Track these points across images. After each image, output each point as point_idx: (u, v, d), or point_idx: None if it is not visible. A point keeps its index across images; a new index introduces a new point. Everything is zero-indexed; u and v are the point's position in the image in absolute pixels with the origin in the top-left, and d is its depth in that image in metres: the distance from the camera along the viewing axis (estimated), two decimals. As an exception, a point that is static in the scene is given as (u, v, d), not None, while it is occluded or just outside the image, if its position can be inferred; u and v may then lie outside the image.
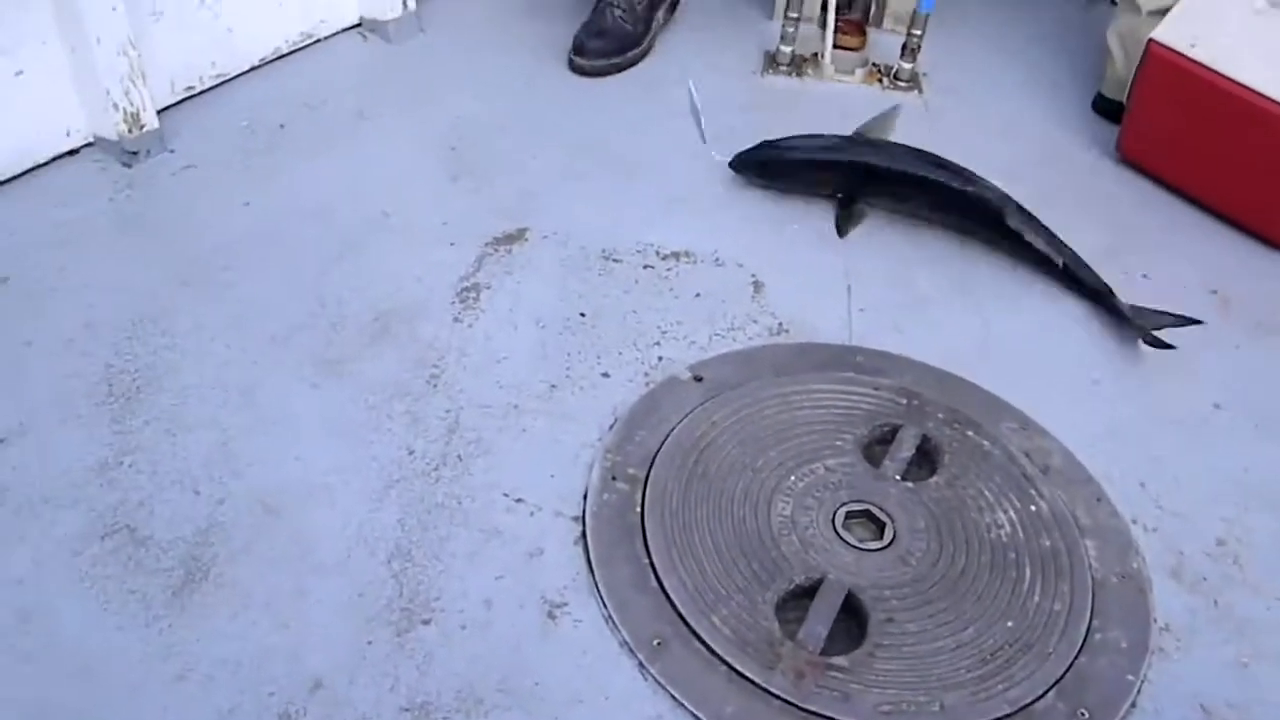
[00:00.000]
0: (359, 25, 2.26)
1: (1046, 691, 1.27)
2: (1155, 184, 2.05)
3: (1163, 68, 1.95)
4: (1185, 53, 1.92)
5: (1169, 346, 1.70)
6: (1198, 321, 1.74)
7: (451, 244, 1.81)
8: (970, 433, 1.57)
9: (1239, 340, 1.78)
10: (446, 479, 1.45)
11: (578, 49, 2.20)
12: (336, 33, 2.24)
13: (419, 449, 1.48)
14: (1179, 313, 1.75)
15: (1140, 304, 1.77)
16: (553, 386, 1.59)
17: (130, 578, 1.31)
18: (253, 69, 2.12)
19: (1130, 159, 2.09)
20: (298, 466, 1.45)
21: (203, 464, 1.44)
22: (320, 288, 1.71)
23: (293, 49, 2.18)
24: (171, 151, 1.94)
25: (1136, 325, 1.74)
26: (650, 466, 1.48)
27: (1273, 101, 1.83)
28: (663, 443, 1.51)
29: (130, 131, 1.88)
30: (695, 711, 1.22)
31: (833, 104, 2.18)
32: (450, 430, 1.51)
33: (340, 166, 1.95)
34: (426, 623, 1.29)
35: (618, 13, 2.22)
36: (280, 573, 1.33)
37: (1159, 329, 1.73)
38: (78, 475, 1.42)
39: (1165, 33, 1.94)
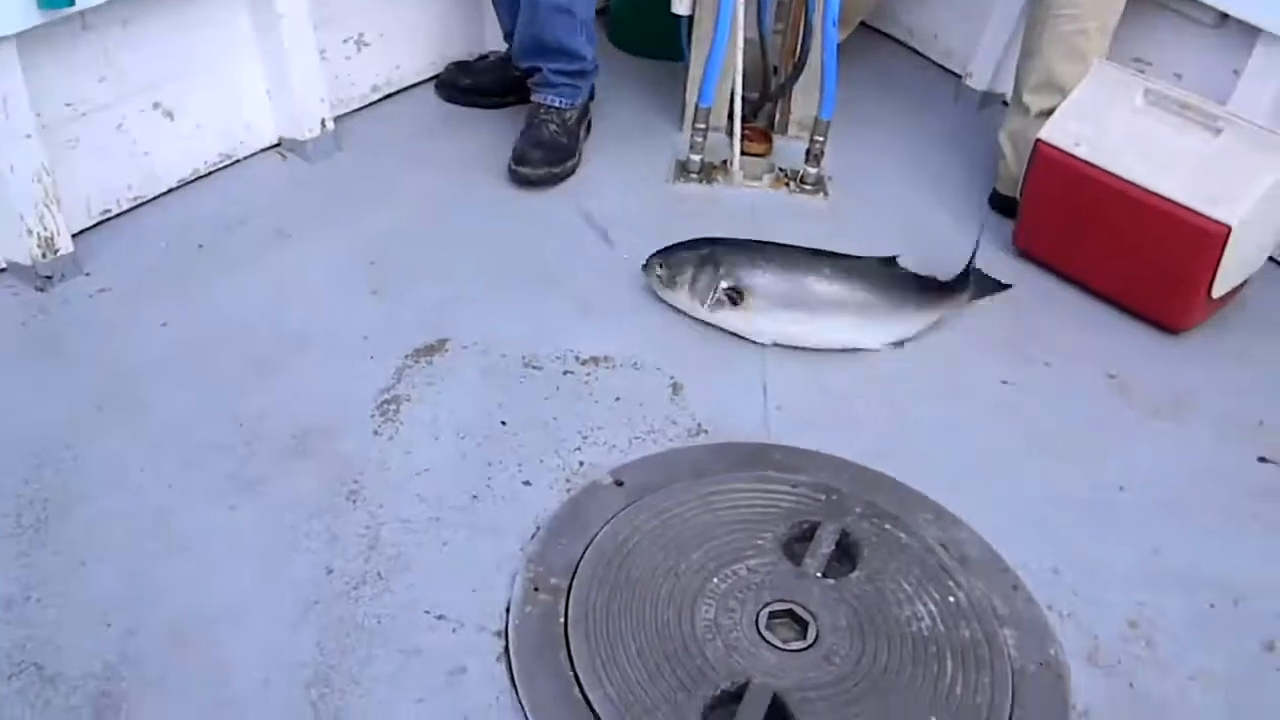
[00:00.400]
0: (278, 145, 2.30)
1: (972, 785, 1.28)
2: (1051, 275, 2.15)
3: (1050, 165, 2.06)
4: (1071, 151, 2.03)
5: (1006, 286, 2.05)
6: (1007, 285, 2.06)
7: (371, 357, 1.82)
8: (888, 526, 1.59)
9: (1137, 422, 1.85)
10: (366, 598, 1.43)
11: (520, 159, 2.25)
12: (255, 153, 2.27)
13: (338, 568, 1.47)
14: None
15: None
16: (474, 497, 1.59)
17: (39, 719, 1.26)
18: (170, 191, 2.13)
19: (1026, 251, 2.19)
20: (212, 593, 1.42)
21: (114, 594, 1.41)
22: (238, 407, 1.70)
23: (211, 170, 2.20)
24: (87, 275, 1.93)
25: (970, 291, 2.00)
26: (573, 575, 1.48)
27: (1154, 194, 1.94)
28: (585, 550, 1.51)
29: (44, 256, 1.88)
30: (623, 828, 1.21)
31: (742, 208, 2.26)
32: (370, 547, 1.50)
33: (259, 285, 1.96)
34: (346, 752, 1.26)
35: (552, 127, 2.28)
36: (193, 705, 1.30)
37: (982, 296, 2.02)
38: (-19, 613, 1.38)
39: (1051, 133, 2.06)
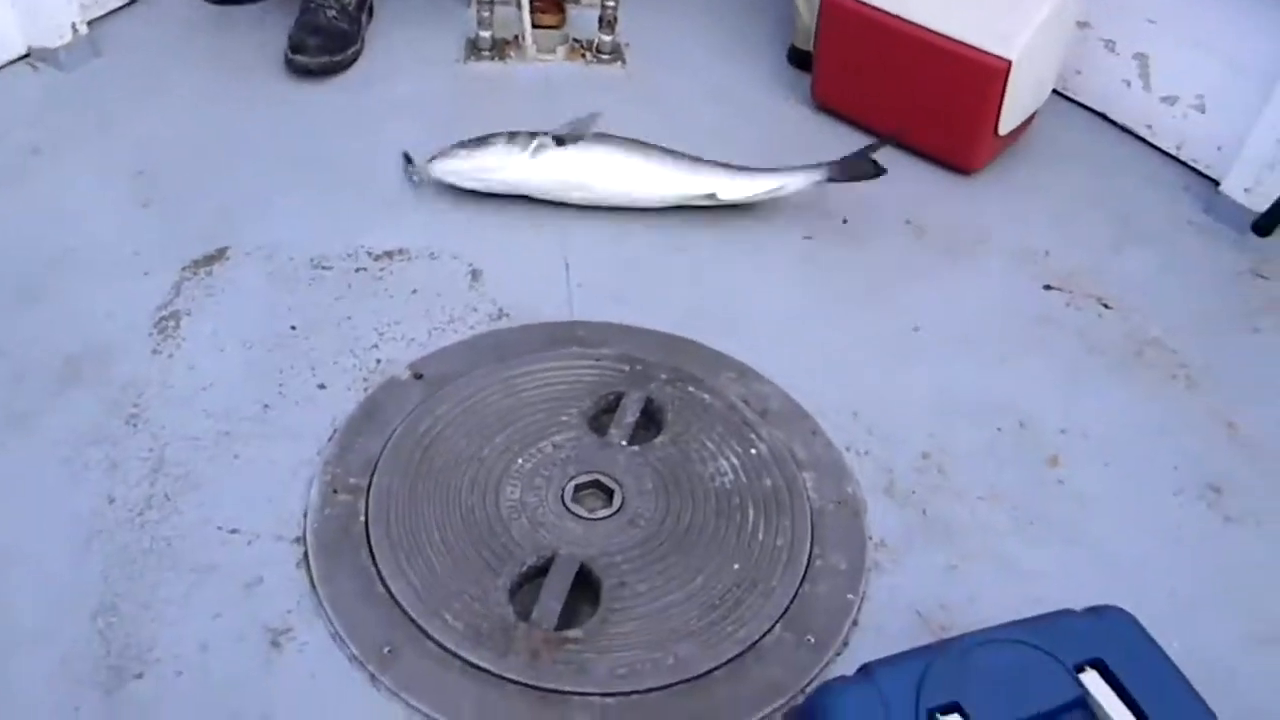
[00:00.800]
0: (27, 56, 2.10)
1: (774, 625, 1.31)
2: (849, 125, 2.16)
3: (837, 14, 2.05)
4: (856, -1, 2.02)
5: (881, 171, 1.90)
6: (881, 171, 1.91)
7: (145, 273, 1.71)
8: (692, 389, 1.60)
9: (932, 264, 1.90)
10: (153, 522, 1.37)
11: (296, 47, 2.12)
12: (1, 66, 2.07)
13: (120, 495, 1.39)
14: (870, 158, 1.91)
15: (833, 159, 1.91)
16: (265, 407, 1.53)
17: None
18: (-95, 114, 1.94)
19: (824, 104, 2.19)
20: (-15, 536, 1.34)
21: (-128, 551, 1.31)
22: (1, 337, 1.58)
23: (-50, 87, 2.00)
24: None
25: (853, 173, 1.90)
26: (373, 473, 1.44)
27: (937, 34, 1.95)
28: (384, 446, 1.47)
29: None
30: (431, 714, 1.20)
31: (537, 84, 2.19)
32: (154, 470, 1.43)
33: (14, 207, 1.80)
34: (139, 676, 1.21)
35: (330, 13, 2.15)
36: (-28, 652, 1.23)
37: (857, 177, 1.90)
38: None
39: (837, -18, 2.04)
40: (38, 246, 1.73)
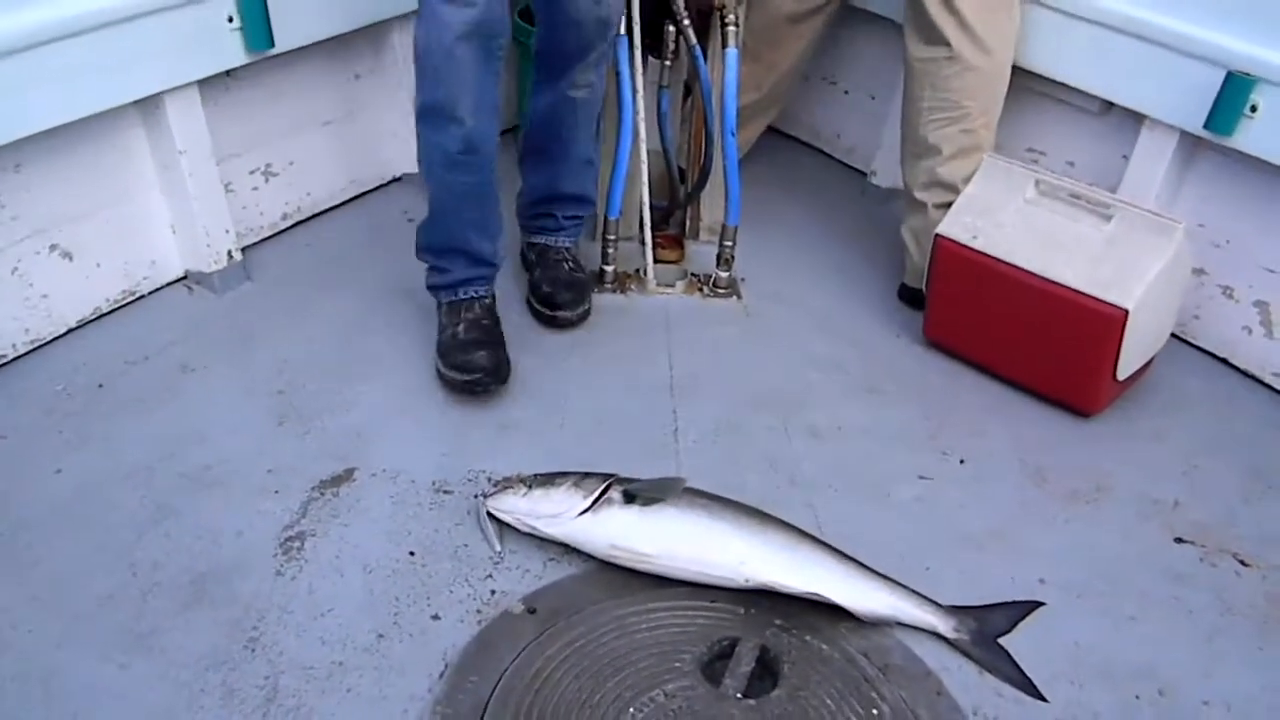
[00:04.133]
0: (184, 278, 2.27)
1: None
2: (963, 365, 2.17)
3: (950, 259, 2.09)
4: (968, 244, 2.06)
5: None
6: (1038, 604, 1.65)
7: (276, 492, 1.77)
8: (809, 637, 1.56)
9: (1056, 510, 1.85)
10: (264, 756, 1.36)
11: (551, 303, 2.18)
12: (160, 287, 2.24)
13: (233, 725, 1.40)
14: (1010, 600, 1.64)
15: (962, 604, 1.62)
16: (380, 636, 1.54)
17: None
18: (70, 330, 2.09)
19: (936, 342, 2.21)
20: (99, 761, 1.35)
21: (-7, 772, 1.33)
22: (133, 555, 1.64)
23: (114, 307, 2.16)
24: (-20, 424, 1.88)
25: (980, 659, 1.56)
26: (482, 716, 1.42)
27: (1051, 282, 1.97)
28: (494, 687, 1.45)
29: (-68, 408, 1.82)
30: None
31: (657, 314, 2.27)
32: (268, 700, 1.43)
33: (161, 423, 1.91)
34: None
35: (568, 265, 2.25)
36: None
37: (1003, 635, 1.59)
38: None
39: (948, 227, 2.10)
40: (180, 462, 1.81)
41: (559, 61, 2.03)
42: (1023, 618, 1.62)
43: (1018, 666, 1.54)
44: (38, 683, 1.44)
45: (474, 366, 1.96)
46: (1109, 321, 1.91)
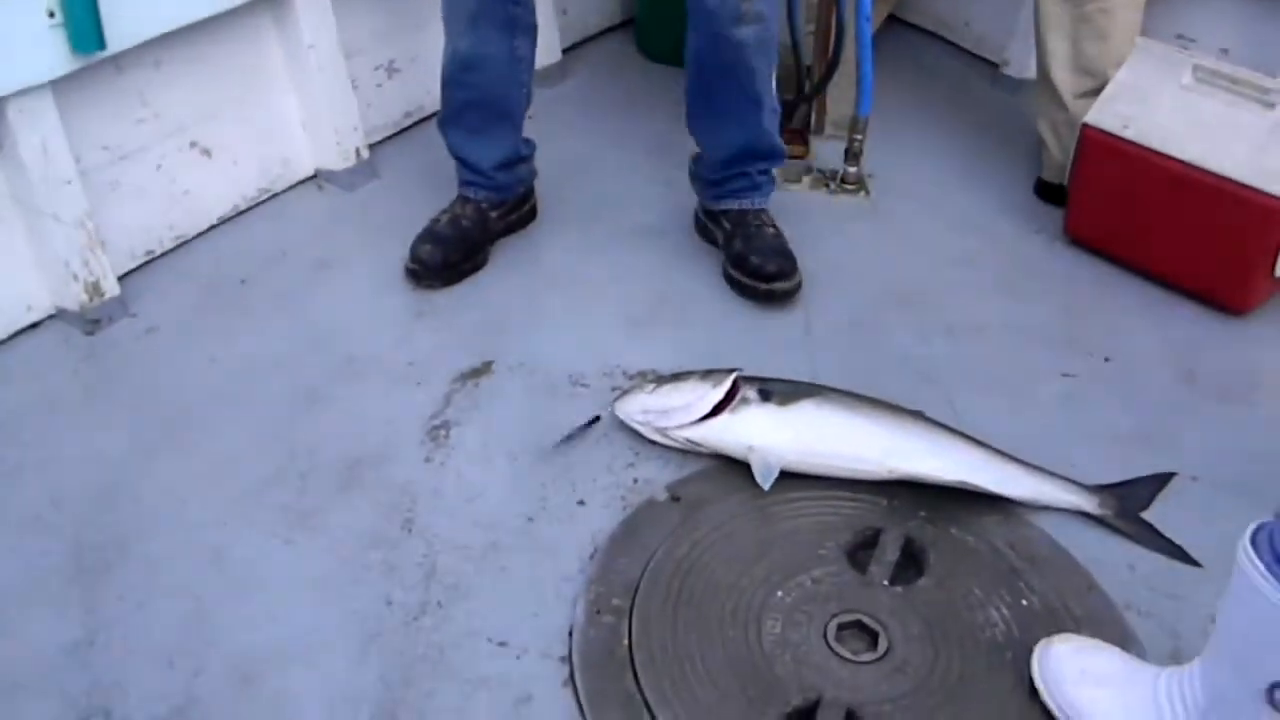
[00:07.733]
0: (314, 177, 2.30)
1: (1060, 796, 1.23)
2: (1106, 262, 2.09)
3: (1099, 150, 2.01)
4: (1119, 134, 1.98)
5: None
6: (1171, 475, 1.64)
7: (418, 383, 1.81)
8: (954, 529, 1.55)
9: (1207, 408, 1.79)
10: (427, 628, 1.42)
11: (762, 275, 1.97)
12: (292, 186, 2.27)
13: (397, 599, 1.45)
14: (1144, 475, 1.63)
15: (1106, 482, 1.62)
16: (529, 519, 1.58)
17: (106, 766, 1.26)
18: (211, 228, 2.14)
19: (1079, 239, 2.13)
20: (274, 629, 1.42)
21: (177, 635, 1.41)
22: (289, 439, 1.70)
23: (250, 205, 2.21)
24: (134, 316, 1.94)
25: (1128, 531, 1.57)
26: (635, 595, 1.45)
27: (1210, 174, 1.88)
28: (645, 569, 1.48)
29: (91, 300, 1.89)
30: None
31: (782, 212, 2.22)
32: (428, 576, 1.49)
33: (304, 316, 1.96)
34: (416, 785, 1.25)
35: (770, 230, 2.06)
36: (261, 745, 1.29)
37: (1144, 509, 1.59)
38: (48, 659, 1.38)
39: (1098, 117, 2.01)
40: (326, 353, 1.86)
41: None
42: (1160, 489, 1.62)
43: (1166, 537, 1.55)
44: (209, 555, 1.52)
45: (417, 256, 2.01)
46: (1272, 214, 1.82)
